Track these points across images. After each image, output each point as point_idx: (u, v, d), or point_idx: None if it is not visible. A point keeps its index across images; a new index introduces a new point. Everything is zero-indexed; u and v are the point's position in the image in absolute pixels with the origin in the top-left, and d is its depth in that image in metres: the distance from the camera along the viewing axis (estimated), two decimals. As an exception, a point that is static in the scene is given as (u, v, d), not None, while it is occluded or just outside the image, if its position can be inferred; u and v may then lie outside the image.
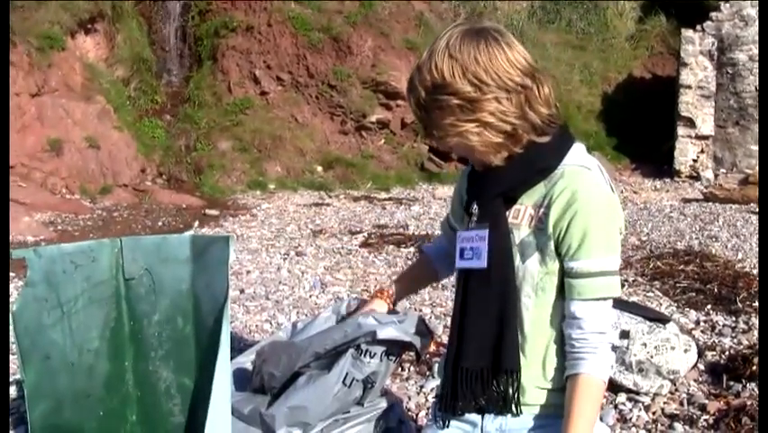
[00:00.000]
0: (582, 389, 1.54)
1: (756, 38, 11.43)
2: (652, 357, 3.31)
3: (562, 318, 1.60)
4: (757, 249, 6.28)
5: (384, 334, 1.79)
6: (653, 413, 3.20)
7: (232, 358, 1.89)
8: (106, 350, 2.08)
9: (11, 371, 2.99)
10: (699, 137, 11.94)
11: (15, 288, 4.75)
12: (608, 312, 1.58)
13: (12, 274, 4.86)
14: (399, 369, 3.57)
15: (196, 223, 8.25)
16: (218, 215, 8.98)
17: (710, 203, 9.59)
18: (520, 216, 1.62)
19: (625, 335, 3.35)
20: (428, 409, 3.09)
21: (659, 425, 3.11)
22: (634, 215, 8.54)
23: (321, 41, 12.09)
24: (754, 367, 3.40)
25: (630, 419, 3.15)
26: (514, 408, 1.61)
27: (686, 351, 3.44)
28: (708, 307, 4.66)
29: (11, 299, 4.05)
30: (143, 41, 12.21)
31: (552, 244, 1.58)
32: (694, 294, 4.94)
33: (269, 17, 12.21)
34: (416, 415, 3.16)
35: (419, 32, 12.66)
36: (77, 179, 9.76)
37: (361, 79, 12.01)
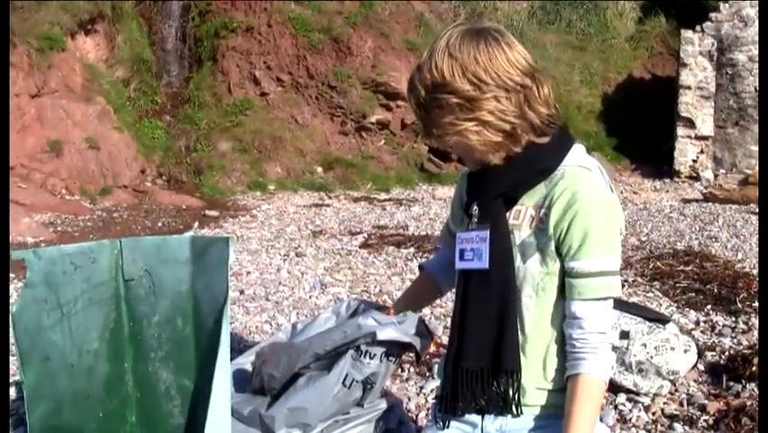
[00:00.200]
0: (583, 389, 1.54)
1: (756, 38, 11.43)
2: (651, 358, 3.31)
3: (562, 319, 1.60)
4: (757, 249, 6.28)
5: (384, 335, 1.79)
6: (653, 414, 3.20)
7: (231, 359, 1.89)
8: (106, 351, 2.08)
9: (10, 372, 2.99)
10: (698, 137, 11.94)
11: (15, 289, 4.75)
12: (609, 312, 1.59)
13: (11, 275, 4.86)
14: (399, 370, 3.57)
15: (196, 224, 8.25)
16: (218, 216, 8.98)
17: (710, 203, 9.59)
18: (521, 217, 1.62)
19: (624, 335, 3.35)
20: (428, 409, 3.09)
21: (659, 425, 3.11)
22: (633, 215, 8.54)
23: (321, 42, 12.10)
24: (754, 367, 3.40)
25: (630, 419, 3.15)
26: (514, 408, 1.61)
27: (686, 351, 3.44)
28: (708, 307, 4.66)
29: (11, 301, 4.05)
30: (143, 41, 12.21)
31: (552, 245, 1.58)
32: (694, 294, 4.94)
33: (269, 18, 12.22)
34: (416, 416, 3.16)
35: (419, 33, 12.66)
36: (76, 179, 9.76)
37: (361, 80, 12.01)
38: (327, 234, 7.48)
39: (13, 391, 2.94)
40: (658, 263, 5.76)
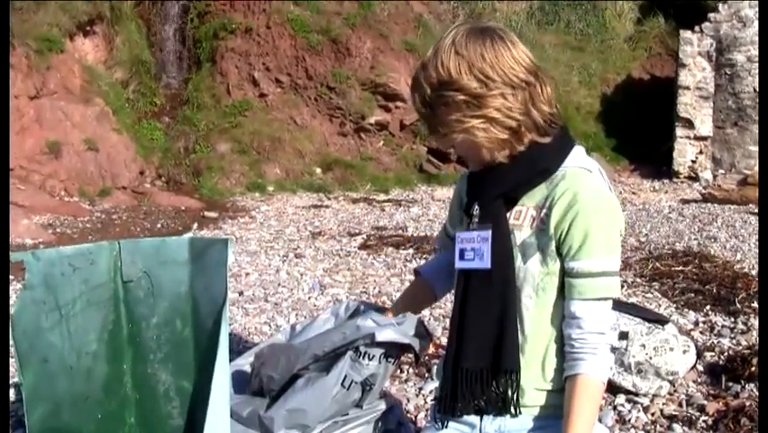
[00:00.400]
0: (581, 389, 1.55)
1: (755, 39, 11.44)
2: (650, 358, 3.31)
3: (561, 319, 1.61)
4: (756, 250, 6.28)
5: (383, 336, 1.79)
6: (652, 414, 3.20)
7: (230, 360, 1.89)
8: (105, 353, 2.07)
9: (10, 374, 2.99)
10: (697, 138, 11.95)
11: (14, 291, 4.75)
12: (608, 313, 1.59)
13: (10, 277, 4.85)
14: (398, 371, 3.57)
15: (195, 225, 8.25)
16: (217, 217, 8.97)
17: (709, 204, 9.59)
18: (522, 217, 1.62)
19: (623, 336, 3.34)
20: (427, 410, 3.09)
21: (658, 426, 3.11)
22: (632, 215, 8.54)
23: (320, 43, 12.10)
24: (753, 368, 3.40)
25: (629, 420, 3.15)
26: (513, 409, 1.62)
27: (685, 352, 3.44)
28: (707, 307, 4.66)
29: (10, 302, 4.05)
30: (142, 43, 12.21)
31: (553, 245, 1.59)
32: (693, 295, 4.93)
33: (268, 19, 12.22)
34: (415, 417, 3.16)
35: (418, 34, 12.67)
36: (75, 181, 9.75)
37: (360, 81, 12.01)
38: (326, 236, 7.48)
39: (11, 393, 2.94)
40: (657, 264, 5.76)
